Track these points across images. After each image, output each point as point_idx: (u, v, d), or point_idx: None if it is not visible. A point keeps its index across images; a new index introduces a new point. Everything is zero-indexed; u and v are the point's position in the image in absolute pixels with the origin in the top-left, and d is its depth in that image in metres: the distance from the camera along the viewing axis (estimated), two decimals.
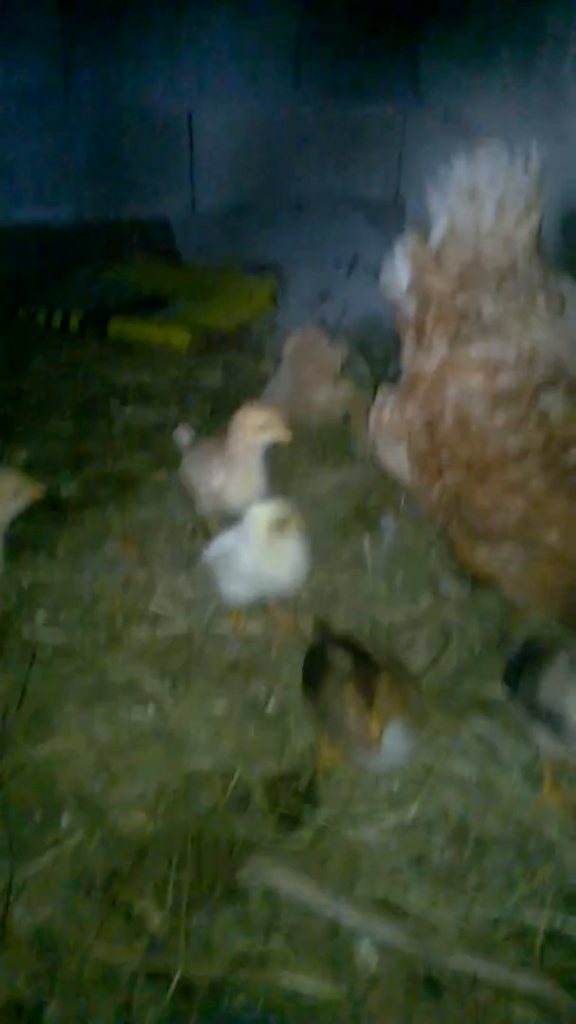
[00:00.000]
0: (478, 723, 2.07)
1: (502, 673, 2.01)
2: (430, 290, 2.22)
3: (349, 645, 1.91)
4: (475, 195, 2.16)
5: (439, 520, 2.27)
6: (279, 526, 2.17)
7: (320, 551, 2.59)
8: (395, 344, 2.39)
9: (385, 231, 3.26)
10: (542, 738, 1.81)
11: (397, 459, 2.32)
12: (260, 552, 2.20)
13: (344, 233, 4.85)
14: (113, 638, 2.36)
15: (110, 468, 3.12)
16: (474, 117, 4.77)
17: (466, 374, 2.14)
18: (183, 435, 2.84)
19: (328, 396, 3.34)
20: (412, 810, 1.88)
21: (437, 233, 2.22)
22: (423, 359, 2.24)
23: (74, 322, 4.23)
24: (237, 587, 2.28)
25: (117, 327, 4.17)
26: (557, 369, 2.06)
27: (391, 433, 2.30)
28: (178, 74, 5.23)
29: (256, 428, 2.52)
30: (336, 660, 1.87)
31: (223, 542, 2.32)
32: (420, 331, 2.25)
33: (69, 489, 3.00)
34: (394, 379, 2.40)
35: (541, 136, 3.47)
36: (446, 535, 2.30)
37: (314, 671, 1.95)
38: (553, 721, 1.75)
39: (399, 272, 2.30)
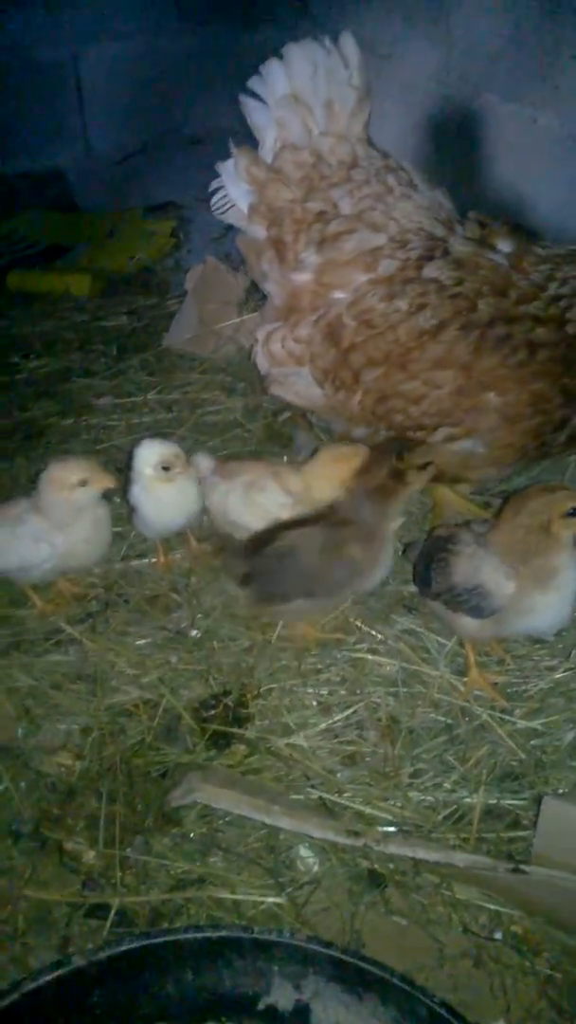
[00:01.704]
0: (401, 622, 2.04)
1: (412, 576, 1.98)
2: (278, 204, 2.15)
3: None
4: (299, 100, 2.11)
5: (364, 432, 2.22)
6: (166, 467, 2.10)
7: None
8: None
9: None
10: (465, 622, 1.78)
11: (301, 385, 2.24)
12: (149, 493, 2.14)
13: None
14: (22, 591, 2.26)
15: (16, 419, 2.99)
16: (363, 37, 4.63)
17: (347, 273, 2.09)
18: (202, 463, 2.20)
19: (234, 327, 3.25)
20: (342, 712, 1.85)
21: (268, 146, 2.16)
22: (294, 275, 2.16)
23: None
24: (143, 527, 2.23)
25: (16, 280, 3.99)
26: (430, 240, 2.02)
27: (287, 362, 2.22)
28: (59, 17, 4.98)
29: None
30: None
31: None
32: (280, 249, 2.18)
33: None
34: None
35: (431, 44, 3.39)
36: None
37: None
38: (476, 598, 1.72)
39: (235, 196, 2.22)
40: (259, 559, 1.95)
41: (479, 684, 1.84)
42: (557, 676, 1.85)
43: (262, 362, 2.27)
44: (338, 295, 2.10)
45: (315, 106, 2.12)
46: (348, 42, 2.11)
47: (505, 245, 2.05)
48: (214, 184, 2.26)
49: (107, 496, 2.15)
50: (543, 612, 1.70)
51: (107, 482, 2.06)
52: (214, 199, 2.27)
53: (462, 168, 3.26)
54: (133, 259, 4.13)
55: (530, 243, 2.03)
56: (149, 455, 2.12)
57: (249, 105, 2.20)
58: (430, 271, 2.01)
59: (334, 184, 2.15)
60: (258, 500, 2.09)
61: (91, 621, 2.14)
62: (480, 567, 1.70)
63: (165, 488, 2.13)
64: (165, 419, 2.88)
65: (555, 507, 1.64)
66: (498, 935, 1.48)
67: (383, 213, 2.10)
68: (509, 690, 1.85)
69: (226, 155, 2.28)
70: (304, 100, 2.14)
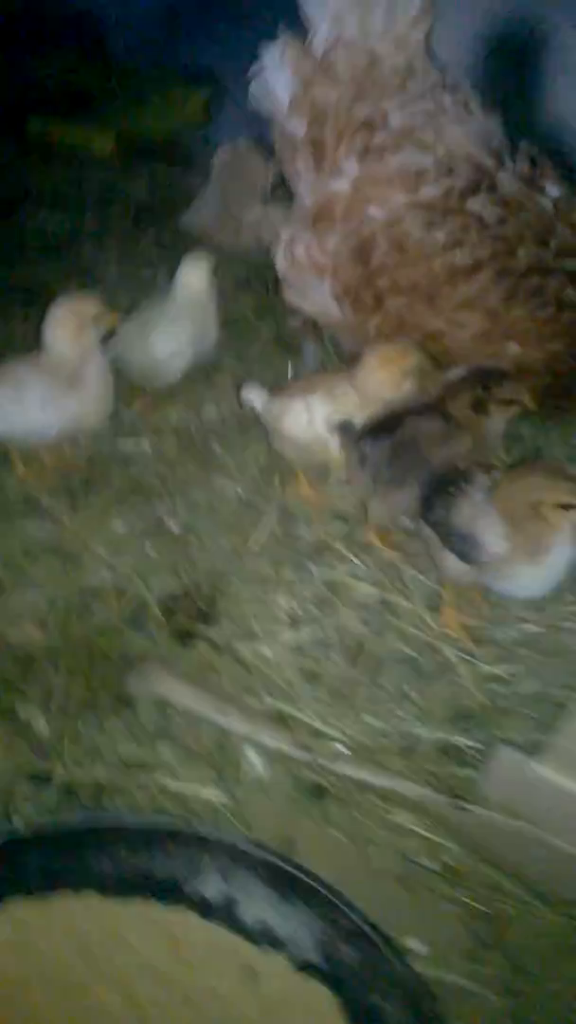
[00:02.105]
0: (383, 552, 2.03)
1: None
2: (323, 103, 2.00)
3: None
4: None
5: None
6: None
7: (246, 374, 2.44)
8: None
9: None
10: (449, 562, 1.77)
11: (318, 298, 2.14)
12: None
13: None
14: (6, 453, 2.19)
15: (17, 276, 2.86)
16: None
17: (387, 191, 1.98)
18: (254, 395, 2.06)
19: (257, 217, 3.09)
20: (311, 629, 1.85)
21: (320, 39, 1.99)
22: (330, 181, 2.04)
23: None
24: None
25: (37, 127, 3.77)
26: (477, 170, 1.92)
27: (308, 270, 2.12)
28: None
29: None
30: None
31: None
32: (318, 150, 2.04)
33: None
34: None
35: None
36: None
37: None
38: (466, 545, 1.71)
39: (276, 86, 2.06)
40: (381, 444, 1.86)
41: (450, 623, 1.85)
42: (528, 628, 1.86)
43: (281, 263, 2.17)
44: (374, 212, 2.00)
45: (376, 5, 1.95)
46: None
47: (554, 189, 1.95)
48: (256, 66, 2.10)
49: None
50: (524, 582, 1.69)
51: (114, 319, 2.01)
52: (254, 83, 2.11)
53: (520, 94, 3.10)
54: (162, 125, 3.92)
55: None
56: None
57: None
58: (473, 204, 1.92)
59: (386, 92, 2.00)
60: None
61: (71, 498, 2.09)
62: (478, 518, 1.67)
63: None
64: None
65: (547, 493, 1.60)
66: (428, 862, 1.53)
67: (433, 133, 1.98)
68: (479, 634, 1.86)
69: (274, 37, 2.12)
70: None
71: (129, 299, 2.72)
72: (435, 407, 1.86)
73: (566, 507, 1.58)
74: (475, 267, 1.92)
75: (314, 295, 2.16)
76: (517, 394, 1.83)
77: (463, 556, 1.72)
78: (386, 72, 2.00)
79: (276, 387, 2.10)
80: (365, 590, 1.94)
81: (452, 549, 1.74)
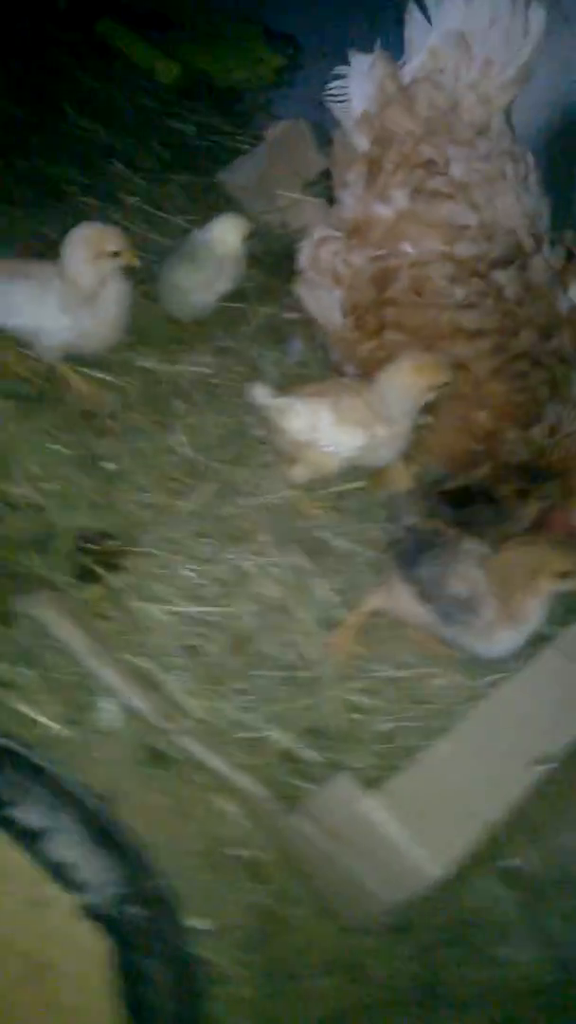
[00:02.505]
0: (300, 558, 2.08)
1: (394, 548, 1.94)
2: (394, 128, 2.02)
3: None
4: (464, 44, 1.97)
5: (353, 371, 2.19)
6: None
7: (228, 346, 2.49)
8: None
9: None
10: (425, 615, 1.83)
11: (326, 303, 2.17)
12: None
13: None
14: None
15: (39, 169, 2.81)
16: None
17: (426, 233, 2.00)
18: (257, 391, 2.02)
19: (291, 202, 3.10)
20: (206, 607, 1.89)
21: (412, 67, 2.01)
22: (376, 204, 2.06)
23: None
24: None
25: (107, 28, 3.67)
26: (514, 246, 1.97)
27: (327, 274, 2.13)
28: None
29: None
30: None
31: None
32: (374, 170, 2.06)
33: None
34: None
35: None
36: None
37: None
38: (460, 609, 1.77)
39: (354, 95, 2.06)
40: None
41: (340, 646, 1.91)
42: (403, 673, 1.94)
43: (305, 258, 2.18)
44: (406, 247, 2.02)
45: (476, 57, 1.97)
46: (538, 14, 1.97)
47: None
48: (343, 68, 2.11)
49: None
50: (502, 646, 1.78)
51: (132, 256, 2.04)
52: (334, 83, 2.11)
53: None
54: (229, 73, 3.86)
55: None
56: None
57: (414, 17, 2.02)
58: (500, 276, 1.97)
59: (456, 142, 2.03)
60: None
61: (20, 407, 2.08)
62: (474, 584, 1.75)
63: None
64: None
65: (549, 563, 1.72)
66: (239, 852, 1.60)
67: (486, 197, 2.01)
68: (358, 664, 1.91)
69: (368, 40, 2.13)
70: (469, 45, 1.98)
71: (140, 236, 2.72)
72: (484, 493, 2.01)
73: (564, 575, 1.70)
74: (478, 333, 1.97)
75: (323, 299, 2.19)
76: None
77: (448, 617, 1.79)
78: (463, 122, 2.02)
79: (287, 387, 2.12)
80: (270, 588, 1.98)
81: (437, 607, 1.80)
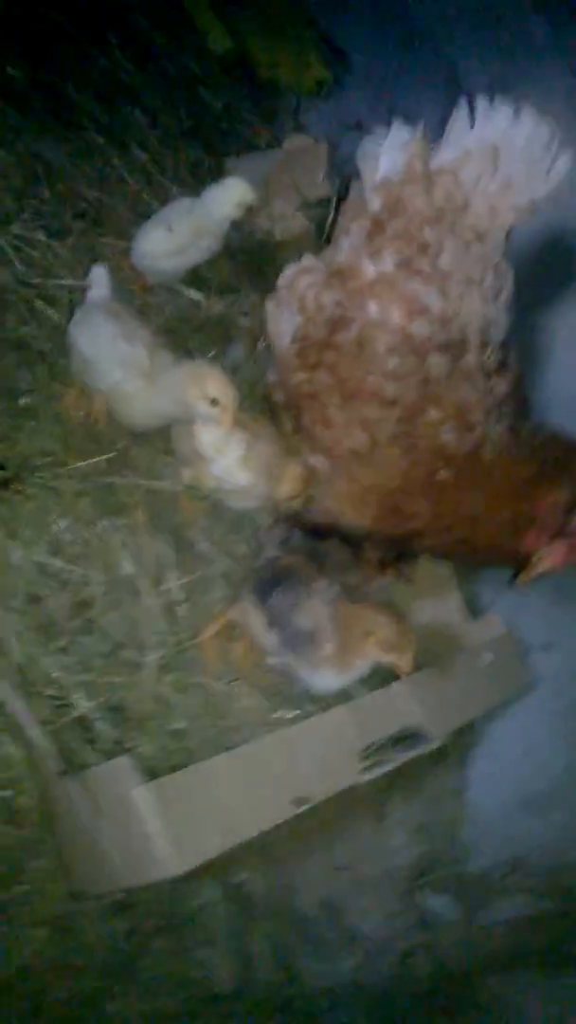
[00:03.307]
0: (165, 548, 2.17)
1: (253, 574, 2.11)
2: (407, 205, 2.11)
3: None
4: (495, 158, 2.08)
5: (281, 397, 2.29)
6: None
7: (172, 330, 2.54)
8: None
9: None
10: (267, 639, 1.98)
11: (284, 324, 2.26)
12: None
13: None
14: None
15: (62, 89, 2.78)
16: None
17: (393, 301, 2.12)
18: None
19: (285, 214, 3.18)
20: (64, 562, 1.97)
21: (444, 157, 2.11)
22: (365, 258, 2.15)
23: None
24: None
25: None
26: (458, 340, 2.11)
27: (295, 298, 2.23)
28: None
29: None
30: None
31: None
32: (375, 231, 2.15)
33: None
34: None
35: None
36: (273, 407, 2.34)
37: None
38: (301, 640, 1.93)
39: (382, 159, 2.14)
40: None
41: (206, 646, 2.05)
42: (217, 685, 2.07)
43: (285, 278, 2.25)
44: (371, 306, 2.13)
45: (500, 174, 2.10)
46: (564, 161, 2.10)
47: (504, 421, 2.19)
48: (382, 130, 2.15)
49: None
50: (321, 682, 1.96)
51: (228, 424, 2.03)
52: (368, 138, 2.21)
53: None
54: (273, 69, 3.90)
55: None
56: None
57: (460, 113, 2.12)
58: (433, 359, 2.10)
59: (455, 236, 2.15)
60: None
61: None
62: (321, 621, 1.92)
63: None
64: None
65: (381, 632, 1.90)
66: (5, 793, 1.69)
67: (458, 293, 2.14)
68: (185, 665, 2.04)
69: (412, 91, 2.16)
70: (498, 158, 2.10)
71: (138, 185, 2.74)
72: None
73: (388, 650, 1.89)
74: (392, 403, 2.10)
75: (284, 319, 2.27)
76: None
77: (288, 645, 1.94)
78: (467, 223, 2.14)
79: None
80: (127, 566, 2.06)
81: (281, 634, 1.96)
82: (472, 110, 2.11)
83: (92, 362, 2.07)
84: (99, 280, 2.21)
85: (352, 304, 2.17)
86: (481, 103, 2.12)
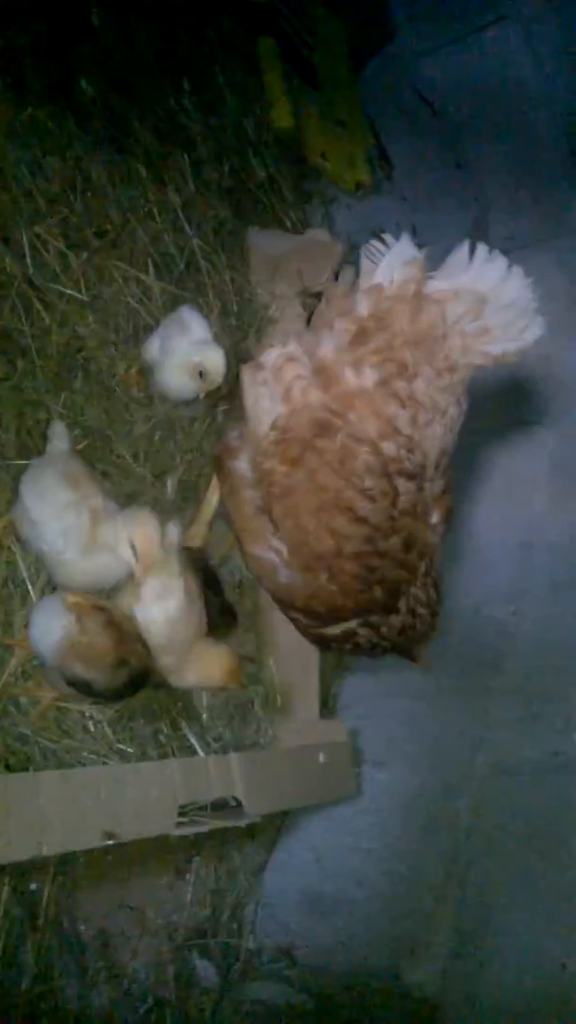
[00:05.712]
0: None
1: None
2: (392, 322, 2.13)
3: None
4: (481, 304, 2.13)
5: (253, 493, 2.35)
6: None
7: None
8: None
9: None
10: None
11: (265, 407, 2.25)
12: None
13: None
14: None
15: (121, 112, 2.94)
16: None
17: (370, 416, 2.15)
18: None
19: (285, 296, 3.27)
20: None
21: (437, 286, 2.14)
22: (348, 365, 2.17)
23: None
24: None
25: (264, 47, 3.78)
26: (420, 467, 2.18)
27: (279, 385, 2.22)
28: None
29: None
30: None
31: None
32: (361, 338, 2.16)
33: None
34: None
35: None
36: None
37: None
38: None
39: (379, 268, 2.16)
40: None
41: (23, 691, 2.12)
42: (70, 704, 2.16)
43: (270, 358, 2.24)
44: (352, 417, 2.17)
45: (482, 319, 2.15)
46: (534, 329, 2.16)
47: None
48: (388, 239, 2.18)
49: None
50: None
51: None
52: (371, 243, 2.19)
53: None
54: (319, 151, 4.08)
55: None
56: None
57: (463, 249, 2.15)
58: (401, 484, 2.17)
59: (433, 368, 2.18)
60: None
61: None
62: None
63: None
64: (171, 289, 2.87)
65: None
66: None
67: (426, 420, 2.19)
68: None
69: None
70: (483, 307, 2.15)
71: (155, 231, 2.87)
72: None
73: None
74: (361, 521, 2.16)
75: (264, 402, 2.26)
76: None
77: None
78: (442, 354, 2.17)
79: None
80: None
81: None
82: (472, 254, 2.14)
83: (36, 523, 2.08)
84: (59, 434, 2.25)
85: (337, 410, 2.19)
86: (481, 251, 2.16)
